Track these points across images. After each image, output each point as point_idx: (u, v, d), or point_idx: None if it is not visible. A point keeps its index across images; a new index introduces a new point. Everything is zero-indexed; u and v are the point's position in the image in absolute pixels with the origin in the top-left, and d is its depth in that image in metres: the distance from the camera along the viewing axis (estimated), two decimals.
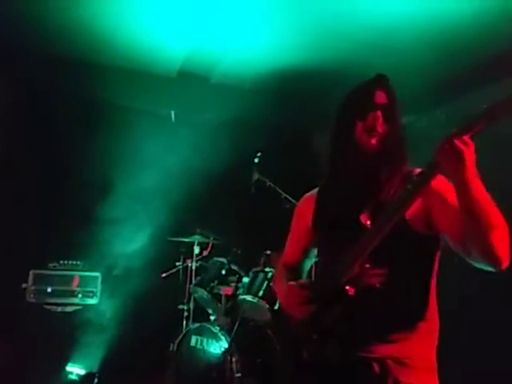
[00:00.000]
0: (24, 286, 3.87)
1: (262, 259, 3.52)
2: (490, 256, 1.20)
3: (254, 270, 3.49)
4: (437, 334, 1.42)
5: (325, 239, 1.58)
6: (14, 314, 3.74)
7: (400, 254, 1.34)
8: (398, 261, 1.35)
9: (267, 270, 3.43)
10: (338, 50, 3.85)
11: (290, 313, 1.50)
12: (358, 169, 1.47)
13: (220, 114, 4.48)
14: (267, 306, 3.28)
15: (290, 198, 3.35)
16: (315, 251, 1.68)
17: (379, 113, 1.42)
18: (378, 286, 1.36)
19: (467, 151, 1.16)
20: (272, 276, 3.39)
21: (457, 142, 1.16)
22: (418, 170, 1.36)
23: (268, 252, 3.55)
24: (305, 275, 1.72)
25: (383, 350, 1.34)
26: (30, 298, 3.88)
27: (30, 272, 3.90)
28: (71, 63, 4.14)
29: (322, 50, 3.89)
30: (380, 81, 1.49)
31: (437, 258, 1.42)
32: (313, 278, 1.73)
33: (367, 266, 1.34)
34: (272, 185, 3.49)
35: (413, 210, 1.31)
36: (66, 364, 3.55)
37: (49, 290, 3.93)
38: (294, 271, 1.69)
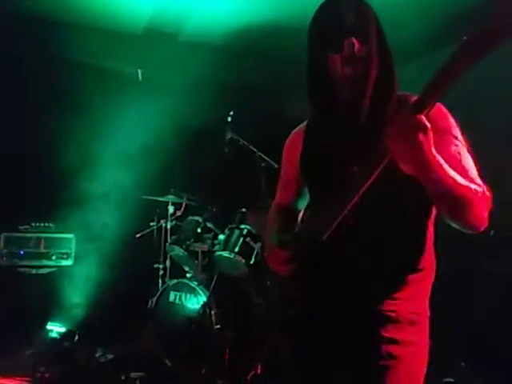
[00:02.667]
0: None
1: (237, 216, 3.61)
2: (465, 228, 1.17)
3: (230, 226, 3.57)
4: (429, 284, 1.33)
5: (310, 186, 1.47)
6: None
7: (388, 201, 1.22)
8: (387, 211, 1.24)
9: (242, 226, 3.52)
10: (311, 5, 3.83)
11: (273, 270, 1.44)
12: (342, 104, 1.32)
13: (191, 73, 4.41)
14: (243, 260, 3.38)
15: (265, 156, 3.41)
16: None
17: (353, 39, 1.24)
18: (362, 238, 1.25)
19: (424, 140, 1.04)
20: (247, 232, 3.49)
21: (409, 128, 1.04)
22: (414, 98, 1.11)
23: (243, 209, 3.64)
24: (299, 214, 1.60)
25: (368, 303, 1.26)
26: (2, 261, 3.86)
27: (1, 235, 3.86)
28: (35, 21, 3.97)
29: (295, 4, 3.83)
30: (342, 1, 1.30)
31: (431, 204, 1.28)
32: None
33: (351, 221, 1.21)
34: (245, 143, 3.53)
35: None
36: (45, 323, 3.58)
37: (21, 252, 3.90)
38: (287, 212, 1.58)
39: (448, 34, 3.89)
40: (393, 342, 1.23)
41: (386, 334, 1.23)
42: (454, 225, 1.18)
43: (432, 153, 1.06)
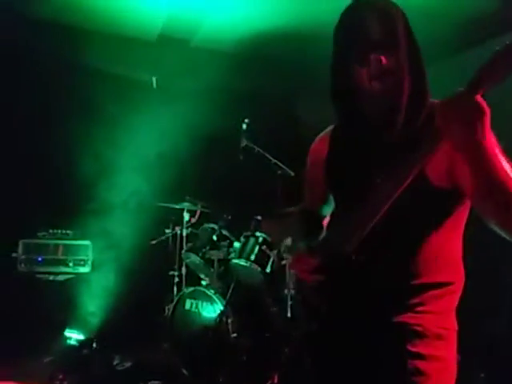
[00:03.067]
0: (14, 255, 3.88)
1: (253, 224, 3.61)
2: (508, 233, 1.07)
3: (245, 234, 3.58)
4: (456, 299, 1.28)
5: (335, 194, 1.44)
6: (5, 283, 3.76)
7: (415, 213, 1.18)
8: (414, 223, 1.20)
9: (258, 234, 3.52)
10: (323, 12, 3.81)
11: (300, 279, 1.46)
12: (371, 117, 1.26)
13: (204, 80, 4.43)
14: (259, 269, 3.39)
15: (280, 164, 3.40)
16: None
17: (380, 56, 1.18)
18: (388, 251, 1.22)
19: (482, 120, 0.98)
20: (263, 240, 3.50)
21: (467, 107, 0.98)
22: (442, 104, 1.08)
23: (258, 217, 3.64)
24: (325, 220, 1.59)
25: (394, 317, 1.22)
26: (21, 268, 3.90)
27: (20, 242, 3.90)
28: (48, 26, 4.00)
29: (307, 11, 3.84)
30: (368, 7, 1.23)
31: (461, 216, 1.24)
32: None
33: (377, 229, 1.18)
34: (260, 151, 3.53)
35: (434, 162, 1.13)
36: (63, 330, 3.62)
37: (39, 259, 3.95)
38: (313, 216, 1.58)
39: (464, 39, 3.89)
40: (420, 357, 1.19)
41: (413, 349, 1.19)
42: (498, 229, 1.08)
43: (488, 138, 1.00)
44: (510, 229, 1.06)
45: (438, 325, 1.23)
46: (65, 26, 4.04)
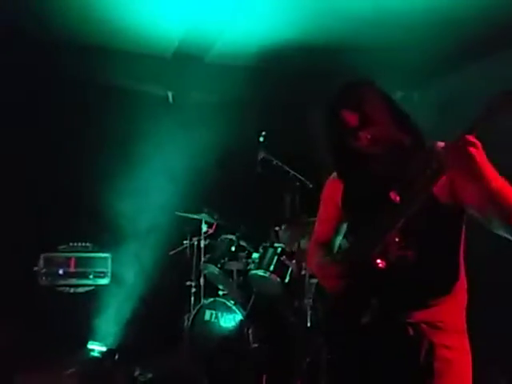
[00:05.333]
0: (35, 269, 3.94)
1: (271, 235, 3.65)
2: None
3: (264, 244, 3.62)
4: (465, 299, 1.54)
5: (355, 217, 1.67)
6: (27, 296, 3.82)
7: (428, 226, 1.43)
8: (427, 233, 1.45)
9: (276, 245, 3.56)
10: (335, 25, 3.87)
11: (325, 286, 1.66)
12: (375, 166, 1.56)
13: (219, 94, 4.52)
14: (278, 279, 3.42)
15: (299, 176, 3.45)
16: (344, 226, 1.78)
17: (365, 130, 1.48)
18: (409, 257, 1.45)
19: (476, 152, 1.26)
20: (281, 251, 3.54)
21: (464, 145, 1.26)
22: (441, 145, 1.45)
23: (276, 228, 3.68)
24: (335, 249, 1.82)
25: (417, 315, 1.45)
26: (42, 281, 3.96)
27: (41, 255, 3.97)
28: (68, 47, 4.11)
29: (319, 25, 3.90)
30: (345, 100, 1.54)
31: (463, 226, 1.51)
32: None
33: (397, 239, 1.44)
34: (279, 163, 3.58)
35: (439, 183, 1.38)
36: (86, 342, 3.66)
37: (60, 272, 4.01)
38: (325, 247, 1.79)
39: (465, 56, 3.97)
40: (444, 347, 1.44)
41: (437, 341, 1.44)
42: (505, 233, 1.33)
43: (484, 161, 1.29)
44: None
45: (454, 322, 1.50)
46: (84, 46, 4.13)
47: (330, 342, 1.71)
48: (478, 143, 1.28)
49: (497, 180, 1.31)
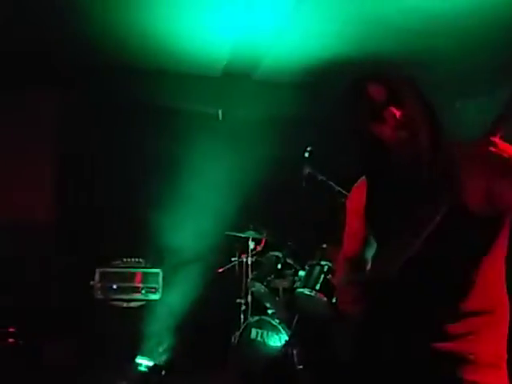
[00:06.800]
0: (92, 283, 4.12)
1: (318, 252, 3.56)
2: None
3: (310, 263, 3.53)
4: (506, 325, 1.31)
5: (377, 230, 1.51)
6: (84, 309, 3.99)
7: (457, 240, 1.25)
8: (455, 249, 1.26)
9: (323, 263, 3.46)
10: (382, 38, 3.79)
11: (343, 311, 1.52)
12: (400, 164, 1.36)
13: (266, 110, 4.53)
14: (325, 298, 3.32)
15: (344, 191, 3.36)
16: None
17: (393, 106, 1.31)
18: (433, 275, 1.27)
19: (501, 151, 1.21)
20: (328, 269, 3.43)
21: (488, 147, 1.21)
22: (463, 145, 1.32)
23: (323, 245, 3.59)
24: (369, 263, 1.61)
25: (444, 346, 1.24)
26: (98, 295, 4.12)
27: (96, 270, 4.14)
28: (120, 70, 4.34)
29: (369, 39, 3.84)
30: (371, 74, 1.41)
31: (502, 243, 1.30)
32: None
33: (420, 258, 1.24)
34: (324, 179, 3.51)
35: (471, 190, 1.23)
36: (135, 357, 3.75)
37: (114, 286, 4.15)
38: (355, 263, 1.62)
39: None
40: None
41: (467, 377, 1.22)
42: None
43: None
44: None
45: (490, 353, 1.26)
46: (135, 69, 4.35)
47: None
48: (501, 143, 1.22)
49: None
